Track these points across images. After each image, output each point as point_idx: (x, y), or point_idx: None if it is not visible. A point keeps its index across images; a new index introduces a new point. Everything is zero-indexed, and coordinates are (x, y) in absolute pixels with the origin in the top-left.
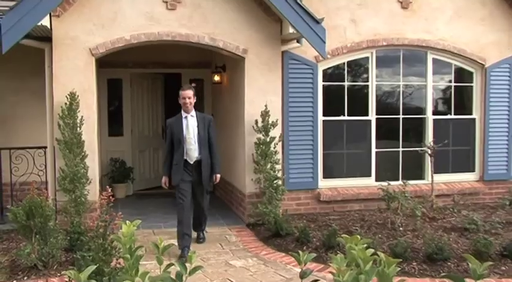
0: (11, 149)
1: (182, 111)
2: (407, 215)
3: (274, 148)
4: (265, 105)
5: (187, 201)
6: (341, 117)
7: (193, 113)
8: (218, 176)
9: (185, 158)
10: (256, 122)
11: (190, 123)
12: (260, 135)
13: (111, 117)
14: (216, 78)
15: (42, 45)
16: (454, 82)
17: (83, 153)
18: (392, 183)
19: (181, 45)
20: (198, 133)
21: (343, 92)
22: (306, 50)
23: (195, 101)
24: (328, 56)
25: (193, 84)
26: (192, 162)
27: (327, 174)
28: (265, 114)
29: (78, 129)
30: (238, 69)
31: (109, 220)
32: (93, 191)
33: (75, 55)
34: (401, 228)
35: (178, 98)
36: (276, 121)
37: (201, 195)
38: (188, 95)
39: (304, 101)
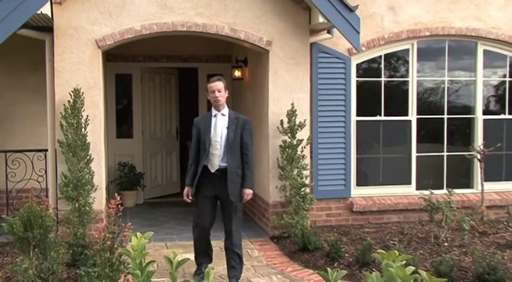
0: (7, 152)
1: (212, 109)
2: (453, 229)
3: (301, 152)
4: (292, 104)
5: (205, 224)
6: (377, 118)
7: (225, 111)
8: (248, 191)
9: (207, 164)
10: (282, 122)
11: (219, 123)
12: (286, 138)
13: (119, 116)
14: (237, 73)
15: (43, 35)
16: (509, 77)
17: (88, 157)
18: (436, 192)
19: (198, 37)
20: (227, 136)
21: (379, 88)
22: (337, 42)
23: (227, 95)
24: (363, 49)
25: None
26: (213, 171)
27: (361, 182)
28: (291, 113)
29: (83, 130)
30: (262, 64)
31: (117, 231)
32: (99, 199)
33: (79, 47)
34: (446, 244)
35: (207, 93)
36: (304, 122)
37: (227, 215)
38: (218, 87)
39: (336, 99)
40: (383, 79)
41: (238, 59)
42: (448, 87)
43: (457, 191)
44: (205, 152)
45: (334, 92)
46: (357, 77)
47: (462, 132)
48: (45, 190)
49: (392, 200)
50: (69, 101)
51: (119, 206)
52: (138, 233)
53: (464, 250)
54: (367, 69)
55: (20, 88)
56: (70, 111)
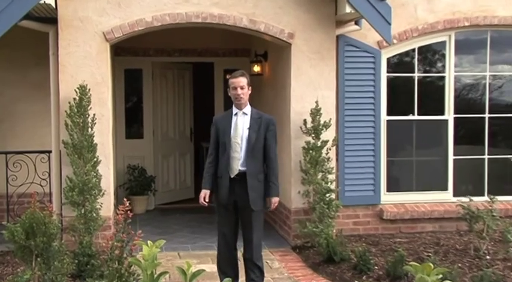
0: (8, 153)
1: (233, 107)
2: (496, 240)
3: (326, 154)
4: (316, 102)
5: (229, 236)
6: (410, 117)
7: (247, 109)
8: (275, 200)
9: (226, 168)
10: (305, 122)
11: (240, 123)
12: (309, 139)
13: (128, 115)
14: (256, 68)
15: (46, 27)
16: None
17: (95, 159)
18: (475, 199)
19: (214, 29)
20: (248, 137)
21: (412, 85)
22: (366, 34)
23: (250, 92)
24: (394, 41)
25: (228, 77)
26: (232, 176)
27: (392, 187)
28: (315, 112)
29: (90, 129)
30: (283, 58)
31: (126, 240)
32: (106, 205)
33: (85, 40)
34: (488, 257)
35: (228, 89)
36: (329, 121)
37: (248, 225)
38: (240, 83)
39: (364, 96)
40: (416, 74)
41: (257, 53)
42: (489, 83)
43: (499, 198)
44: (224, 154)
45: (362, 88)
46: (388, 72)
47: (506, 133)
48: (49, 195)
49: (427, 207)
50: (74, 99)
51: (128, 212)
52: (149, 242)
53: (509, 264)
54: (399, 63)
55: (21, 84)
56: (76, 110)
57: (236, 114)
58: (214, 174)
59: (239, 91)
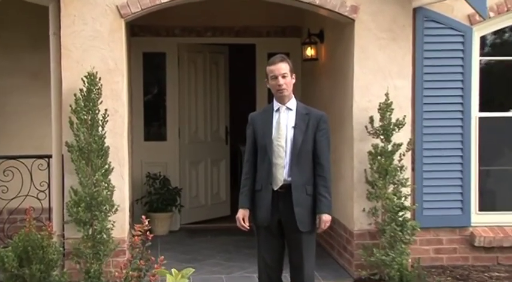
0: None
1: (274, 101)
2: None
3: (399, 161)
4: (386, 95)
5: (272, 265)
6: (510, 113)
7: (292, 103)
8: (326, 218)
9: (267, 178)
10: (372, 120)
11: (283, 121)
12: (377, 141)
13: (148, 111)
14: (309, 52)
15: (45, 0)
16: None
17: (107, 166)
18: None
19: (256, 2)
20: (294, 138)
21: None
22: (452, 6)
23: (294, 81)
24: (491, 15)
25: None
26: (275, 189)
27: (486, 205)
28: (385, 108)
29: (100, 129)
30: (344, 39)
31: (145, 268)
32: (120, 224)
33: (94, 16)
34: None
35: (266, 80)
36: (403, 119)
37: (296, 251)
38: (281, 70)
39: (450, 86)
40: None
41: (311, 33)
42: None
43: None
44: (264, 161)
45: (447, 77)
46: (482, 55)
47: None
48: (48, 211)
49: None
50: (81, 90)
51: (147, 234)
52: (173, 270)
53: None
54: (497, 44)
55: (15, 72)
56: (82, 104)
57: (278, 110)
58: (252, 188)
59: (280, 81)
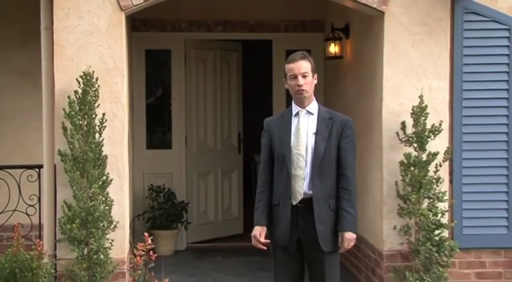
0: None
1: (292, 104)
2: None
3: (435, 172)
4: (420, 97)
5: None
6: None
7: (313, 107)
8: (350, 237)
9: (286, 192)
10: (404, 125)
11: (303, 127)
12: (410, 150)
13: (151, 116)
14: (333, 49)
15: None
16: None
17: (104, 178)
18: None
19: None
20: (315, 146)
21: None
22: None
23: (316, 81)
24: None
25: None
26: (294, 203)
27: None
28: (419, 112)
29: (97, 136)
30: (372, 34)
31: None
32: (120, 243)
33: (91, 9)
34: None
35: (284, 80)
36: (440, 125)
37: (318, 274)
38: (301, 69)
39: (494, 88)
40: None
41: (335, 27)
42: None
43: None
44: (282, 172)
45: (490, 77)
46: None
47: None
48: (38, 228)
49: None
50: (76, 92)
51: (150, 253)
52: None
53: None
54: None
55: (2, 71)
56: (77, 107)
57: (297, 114)
58: (269, 202)
59: (300, 81)
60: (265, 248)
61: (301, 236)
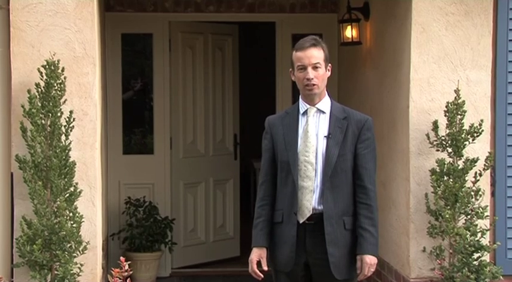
0: None
1: (300, 100)
2: None
3: (474, 183)
4: (456, 91)
5: None
6: None
7: (324, 104)
8: (371, 261)
9: (291, 207)
10: (435, 126)
11: (312, 128)
12: (443, 156)
13: (129, 114)
14: (349, 33)
15: None
16: None
17: (72, 189)
18: None
19: None
20: (327, 152)
21: None
22: None
23: (329, 74)
24: None
25: None
26: (302, 221)
27: None
28: (455, 109)
29: (63, 138)
30: (397, 14)
31: None
32: (90, 268)
33: None
34: None
35: (291, 71)
36: (480, 125)
37: None
38: (311, 59)
39: None
40: None
41: (351, 7)
42: None
43: None
44: (286, 182)
45: None
46: None
47: None
48: None
49: None
50: (37, 85)
51: (128, 281)
52: None
53: None
54: None
55: None
56: (39, 104)
57: (305, 112)
58: (271, 220)
59: (310, 73)
60: (261, 276)
61: (309, 261)
